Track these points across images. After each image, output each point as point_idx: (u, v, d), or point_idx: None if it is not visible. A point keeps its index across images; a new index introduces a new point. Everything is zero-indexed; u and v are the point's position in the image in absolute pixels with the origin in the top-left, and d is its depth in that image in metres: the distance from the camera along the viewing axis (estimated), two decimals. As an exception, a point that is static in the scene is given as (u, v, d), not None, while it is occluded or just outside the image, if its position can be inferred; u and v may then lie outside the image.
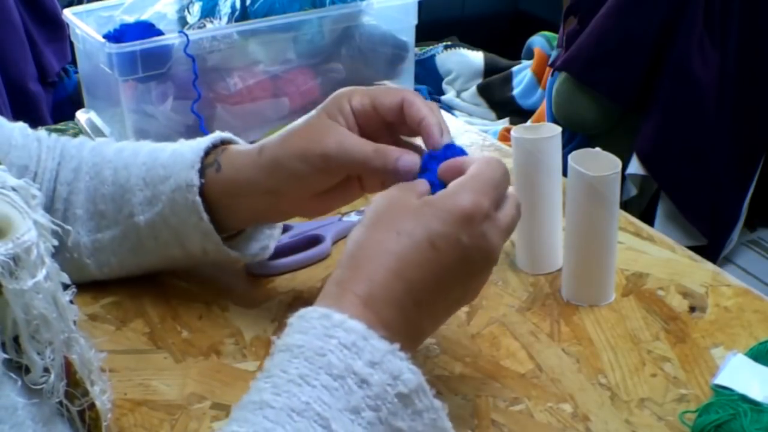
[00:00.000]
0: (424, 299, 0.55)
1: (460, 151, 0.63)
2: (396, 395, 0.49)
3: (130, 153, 0.77)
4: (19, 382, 0.46)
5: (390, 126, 0.68)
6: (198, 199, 0.70)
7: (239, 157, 0.71)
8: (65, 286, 0.50)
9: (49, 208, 0.76)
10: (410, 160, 0.64)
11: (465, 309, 0.76)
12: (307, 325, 0.51)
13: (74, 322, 0.52)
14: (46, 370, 0.46)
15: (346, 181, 0.69)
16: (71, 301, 0.51)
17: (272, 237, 0.79)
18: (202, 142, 0.73)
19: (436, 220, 0.55)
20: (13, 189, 0.48)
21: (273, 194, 0.70)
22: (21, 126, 0.79)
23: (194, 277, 0.80)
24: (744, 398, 0.60)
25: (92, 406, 0.51)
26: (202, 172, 0.71)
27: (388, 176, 0.64)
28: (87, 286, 0.78)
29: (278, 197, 0.70)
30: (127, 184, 0.74)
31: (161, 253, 0.75)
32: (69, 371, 0.49)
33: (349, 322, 0.50)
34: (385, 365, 0.49)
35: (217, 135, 0.74)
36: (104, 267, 0.77)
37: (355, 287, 0.53)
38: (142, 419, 0.64)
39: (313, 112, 0.69)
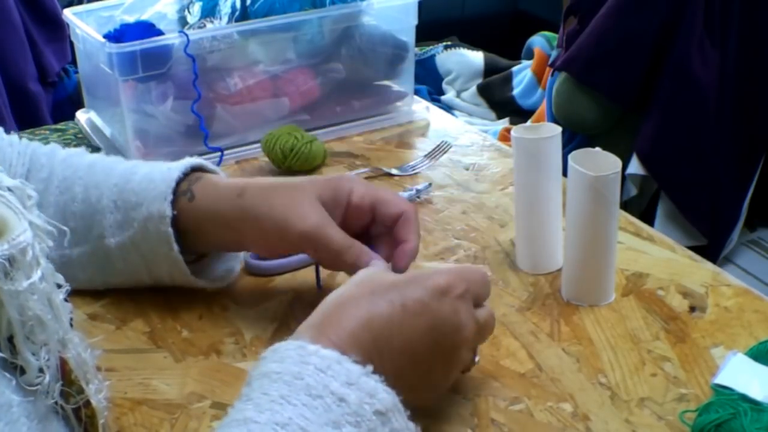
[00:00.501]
0: (388, 355, 0.55)
1: None
2: (374, 413, 0.51)
3: (101, 171, 0.76)
4: (14, 381, 0.45)
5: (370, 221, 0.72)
6: (170, 230, 0.71)
7: (215, 191, 0.72)
8: (59, 286, 0.50)
9: None
10: (380, 267, 0.67)
11: (465, 309, 0.76)
12: (282, 355, 0.52)
13: (71, 321, 0.52)
14: (41, 370, 0.46)
15: None
16: (66, 300, 0.51)
17: (237, 258, 0.80)
18: (174, 169, 0.73)
19: (411, 288, 0.58)
20: (9, 189, 0.48)
21: (239, 234, 0.71)
22: None
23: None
24: (744, 398, 0.60)
25: (88, 403, 0.51)
26: (174, 201, 0.71)
27: (353, 271, 0.67)
28: (87, 286, 0.78)
29: (243, 238, 0.72)
30: (98, 205, 0.74)
31: (129, 274, 0.76)
32: (64, 370, 0.49)
33: (322, 351, 0.52)
34: (361, 385, 0.51)
35: (188, 162, 0.74)
36: (71, 282, 0.76)
37: (327, 330, 0.55)
38: (142, 418, 0.64)
39: (307, 182, 0.71)
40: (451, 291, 0.58)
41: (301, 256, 0.82)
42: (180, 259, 0.72)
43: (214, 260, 0.79)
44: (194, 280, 0.74)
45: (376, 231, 0.72)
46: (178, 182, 0.72)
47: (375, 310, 0.56)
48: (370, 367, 0.52)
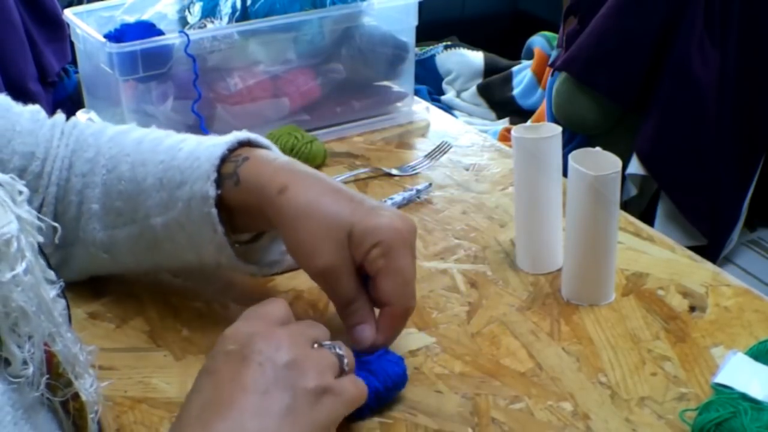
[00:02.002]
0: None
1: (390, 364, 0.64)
2: None
3: (148, 147, 0.74)
4: None
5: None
6: (213, 211, 0.68)
7: (259, 180, 0.68)
8: (51, 282, 0.50)
9: (62, 198, 0.75)
10: (366, 337, 0.65)
11: (465, 308, 0.76)
12: None
13: (69, 318, 0.52)
14: (26, 362, 0.46)
15: None
16: (63, 296, 0.52)
17: None
18: (219, 146, 0.70)
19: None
20: None
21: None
22: (33, 110, 0.77)
23: (194, 275, 0.80)
24: (744, 396, 0.60)
25: (76, 396, 0.51)
26: (219, 181, 0.68)
27: (344, 322, 0.66)
28: (87, 284, 0.78)
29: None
30: (144, 183, 0.72)
31: (178, 255, 0.73)
32: (51, 363, 0.50)
33: None
34: None
35: (234, 137, 0.71)
36: (121, 263, 0.76)
37: None
38: (142, 417, 0.65)
39: (351, 206, 0.65)
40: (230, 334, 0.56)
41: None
42: (225, 242, 0.69)
43: (268, 243, 0.75)
44: (242, 265, 0.71)
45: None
46: (224, 159, 0.69)
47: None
48: None
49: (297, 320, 0.60)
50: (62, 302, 0.52)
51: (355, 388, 0.57)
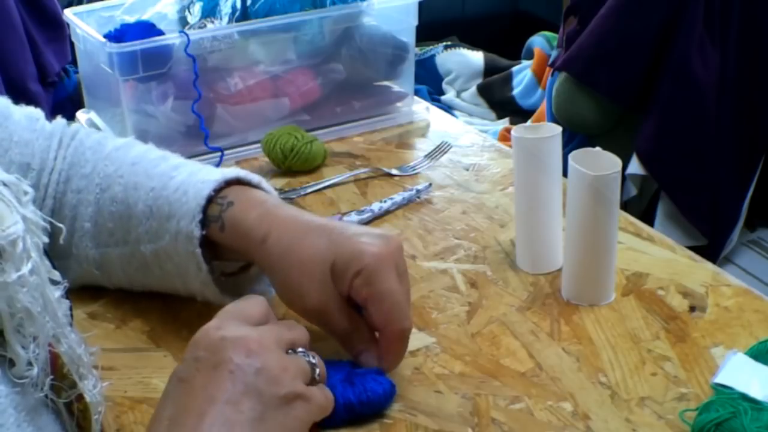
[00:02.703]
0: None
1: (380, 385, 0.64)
2: None
3: (143, 171, 0.74)
4: (2, 373, 0.46)
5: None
6: (198, 251, 0.68)
7: (243, 229, 0.68)
8: (55, 282, 0.50)
9: (57, 211, 0.75)
10: (368, 361, 0.65)
11: (465, 308, 0.76)
12: None
13: (71, 318, 0.52)
14: (30, 363, 0.46)
15: None
16: (66, 297, 0.52)
17: None
18: (207, 184, 0.69)
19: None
20: (4, 184, 0.48)
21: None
22: (32, 117, 0.77)
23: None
24: (744, 397, 0.60)
25: (80, 398, 0.51)
26: (205, 222, 0.69)
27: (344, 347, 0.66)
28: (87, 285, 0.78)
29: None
30: (135, 208, 0.72)
31: (167, 281, 0.74)
32: (56, 364, 0.49)
33: None
34: None
35: (222, 176, 0.70)
36: (113, 280, 0.77)
37: None
38: (141, 417, 0.65)
39: (327, 243, 0.65)
40: (206, 331, 0.55)
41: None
42: (209, 279, 0.70)
43: (256, 274, 0.75)
44: (228, 300, 0.68)
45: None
46: (210, 199, 0.69)
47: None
48: None
49: (279, 319, 0.60)
50: (66, 303, 0.52)
51: (323, 397, 0.57)
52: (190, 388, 0.53)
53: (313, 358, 0.58)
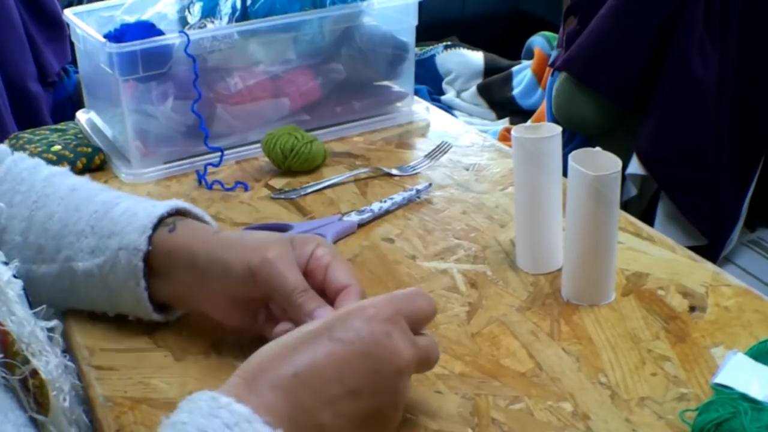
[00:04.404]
0: (317, 386, 0.53)
1: None
2: None
3: (83, 196, 0.75)
4: None
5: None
6: (141, 264, 0.69)
7: (195, 229, 0.71)
8: (4, 263, 0.51)
9: None
10: (326, 314, 0.64)
11: (465, 308, 0.76)
12: (193, 405, 0.51)
13: (26, 297, 0.53)
14: None
15: (256, 308, 0.69)
16: (15, 276, 0.53)
17: None
18: (158, 207, 0.72)
19: (336, 317, 0.56)
20: None
21: (204, 278, 0.68)
22: None
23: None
24: (744, 397, 0.60)
25: (35, 373, 0.51)
26: (151, 237, 0.70)
27: (298, 317, 0.64)
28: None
29: (202, 287, 0.69)
30: (74, 227, 0.73)
31: (91, 302, 0.74)
32: (6, 342, 0.50)
33: (234, 405, 0.50)
34: None
35: (174, 203, 0.73)
36: (33, 297, 0.76)
37: (242, 372, 0.54)
38: (141, 417, 0.65)
39: (279, 235, 0.70)
40: (378, 314, 0.56)
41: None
42: (145, 297, 0.70)
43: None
44: (159, 318, 0.73)
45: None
46: (162, 218, 0.71)
47: (295, 343, 0.55)
48: (280, 430, 0.50)
49: None
50: (18, 283, 0.53)
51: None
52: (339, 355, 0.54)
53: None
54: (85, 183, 0.78)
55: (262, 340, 0.72)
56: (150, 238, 0.70)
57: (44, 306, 0.59)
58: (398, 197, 0.94)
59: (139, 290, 0.70)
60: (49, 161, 1.02)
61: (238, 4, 1.06)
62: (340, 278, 0.66)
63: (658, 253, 0.84)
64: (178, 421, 0.50)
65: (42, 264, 0.74)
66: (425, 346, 0.58)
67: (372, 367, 0.54)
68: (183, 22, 1.10)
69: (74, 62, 1.89)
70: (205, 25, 1.07)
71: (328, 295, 0.66)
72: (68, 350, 0.72)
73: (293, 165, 1.02)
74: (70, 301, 0.75)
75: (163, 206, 0.72)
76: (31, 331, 0.52)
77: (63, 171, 0.80)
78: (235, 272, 0.66)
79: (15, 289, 0.51)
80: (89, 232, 0.72)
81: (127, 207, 0.73)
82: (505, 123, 2.55)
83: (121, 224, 0.71)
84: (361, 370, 0.54)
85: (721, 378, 0.63)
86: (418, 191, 0.95)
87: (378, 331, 0.55)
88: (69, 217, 0.73)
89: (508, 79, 2.64)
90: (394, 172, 1.02)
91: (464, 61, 2.73)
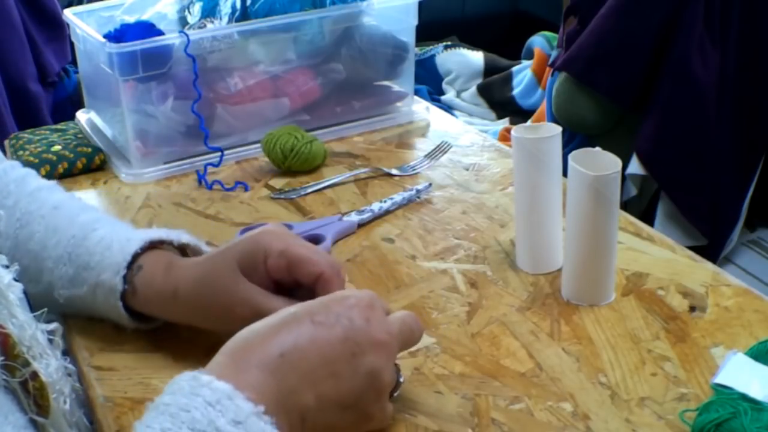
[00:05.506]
0: (302, 367, 0.54)
1: None
2: None
3: (65, 216, 0.74)
4: None
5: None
6: (119, 303, 0.69)
7: (152, 291, 0.69)
8: (5, 267, 0.52)
9: None
10: None
11: (465, 308, 0.76)
12: (176, 387, 0.52)
13: (27, 300, 0.53)
14: None
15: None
16: (16, 279, 0.53)
17: None
18: (132, 243, 0.70)
19: (317, 302, 0.58)
20: None
21: (182, 312, 0.70)
22: None
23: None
24: (744, 397, 0.60)
25: (35, 376, 0.52)
26: (127, 277, 0.69)
27: None
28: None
29: (185, 316, 0.70)
30: (52, 251, 0.72)
31: (83, 315, 0.75)
32: (6, 344, 0.50)
33: (215, 383, 0.51)
34: (249, 425, 0.49)
35: (147, 236, 0.71)
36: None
37: (228, 350, 0.54)
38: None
39: (226, 251, 0.68)
40: (359, 303, 0.58)
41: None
42: (131, 323, 0.71)
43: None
44: (148, 326, 0.73)
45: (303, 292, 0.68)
46: (135, 256, 0.70)
47: (279, 324, 0.56)
48: (261, 407, 0.50)
49: None
50: (19, 286, 0.53)
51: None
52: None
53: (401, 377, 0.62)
54: (67, 201, 0.77)
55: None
56: (125, 277, 0.69)
57: (45, 309, 0.59)
58: (398, 197, 0.94)
59: (123, 318, 0.71)
60: (49, 161, 1.03)
61: (238, 4, 1.06)
62: (311, 266, 0.66)
63: (658, 253, 0.84)
64: (162, 403, 0.51)
65: (29, 284, 0.72)
66: (403, 322, 0.61)
67: (351, 349, 0.56)
68: (183, 22, 1.11)
69: (74, 62, 1.89)
70: (205, 25, 1.07)
71: (305, 285, 0.67)
72: (68, 351, 0.72)
73: (293, 165, 1.02)
74: (64, 311, 0.75)
75: (136, 242, 0.70)
76: (32, 334, 0.52)
77: (50, 185, 0.79)
78: (214, 312, 0.67)
79: (16, 292, 0.52)
80: (66, 259, 0.72)
81: (102, 236, 0.72)
82: (505, 123, 2.55)
83: (96, 257, 0.70)
84: (341, 352, 0.56)
85: (721, 378, 0.63)
86: (418, 191, 0.95)
87: (356, 317, 0.57)
88: (48, 239, 0.73)
89: (508, 79, 2.64)
90: (394, 172, 1.02)
91: (464, 61, 2.73)
